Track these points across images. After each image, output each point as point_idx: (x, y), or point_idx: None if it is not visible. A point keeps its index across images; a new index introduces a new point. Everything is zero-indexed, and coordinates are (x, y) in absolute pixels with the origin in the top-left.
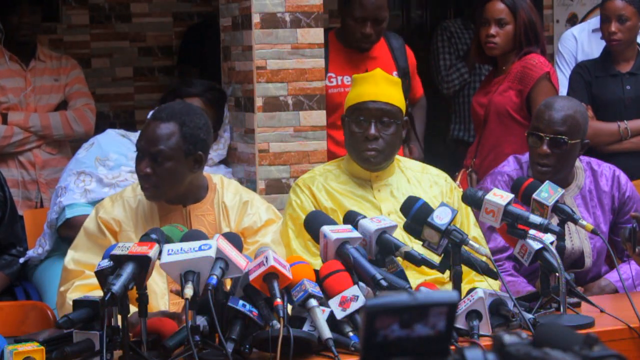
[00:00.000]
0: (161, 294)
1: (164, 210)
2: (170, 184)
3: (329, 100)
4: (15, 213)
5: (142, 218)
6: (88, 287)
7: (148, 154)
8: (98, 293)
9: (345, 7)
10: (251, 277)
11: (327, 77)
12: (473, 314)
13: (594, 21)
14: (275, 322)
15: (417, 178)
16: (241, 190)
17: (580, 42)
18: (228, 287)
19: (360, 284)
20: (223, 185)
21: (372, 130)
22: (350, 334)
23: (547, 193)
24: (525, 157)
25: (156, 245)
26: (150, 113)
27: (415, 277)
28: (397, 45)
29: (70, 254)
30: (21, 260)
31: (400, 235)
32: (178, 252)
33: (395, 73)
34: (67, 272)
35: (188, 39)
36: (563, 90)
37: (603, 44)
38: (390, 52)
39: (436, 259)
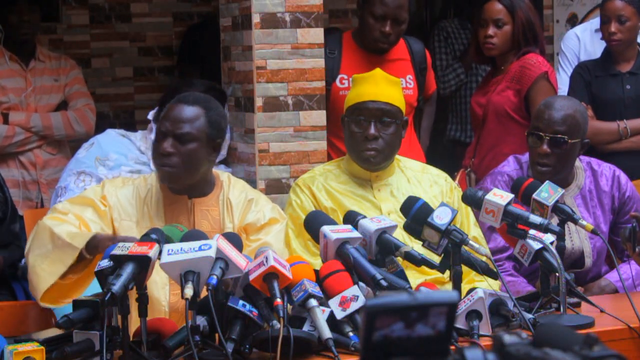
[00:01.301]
0: (162, 284)
1: (170, 199)
2: (189, 167)
3: (338, 102)
4: (16, 213)
5: (148, 206)
6: (61, 220)
7: (173, 134)
8: (66, 227)
9: (366, 4)
10: (251, 277)
11: (339, 79)
12: (473, 314)
13: (597, 21)
14: (275, 322)
15: (417, 178)
16: (247, 189)
17: (583, 41)
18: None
19: (360, 284)
20: (230, 183)
21: (372, 130)
22: (350, 334)
23: (547, 193)
24: (525, 157)
25: (156, 245)
26: (151, 113)
27: (415, 277)
28: (417, 49)
29: (63, 202)
30: (23, 261)
31: (400, 235)
32: (178, 252)
33: (409, 77)
34: (52, 210)
35: (188, 39)
36: (566, 89)
37: (605, 43)
38: (410, 56)
39: (436, 259)
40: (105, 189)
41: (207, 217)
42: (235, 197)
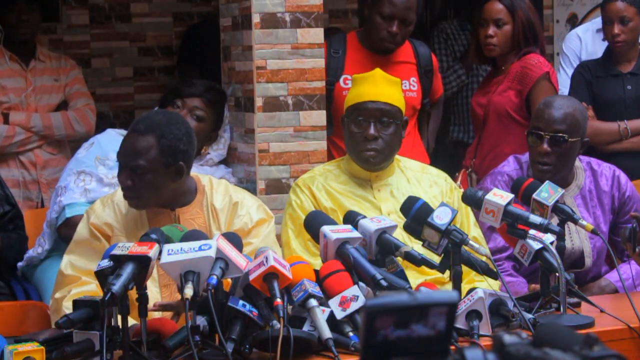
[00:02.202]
0: (153, 299)
1: (153, 214)
2: (152, 194)
3: (341, 102)
4: (19, 212)
5: (132, 222)
6: (84, 294)
7: (127, 167)
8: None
9: (374, 4)
10: (251, 277)
11: (343, 79)
12: (473, 314)
13: (598, 21)
14: (275, 322)
15: (417, 178)
16: (231, 191)
17: (585, 42)
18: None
19: (360, 284)
20: (212, 187)
21: (372, 131)
22: (350, 334)
23: (547, 193)
24: (525, 157)
25: (156, 245)
26: None
27: (415, 277)
28: (422, 52)
29: (66, 258)
30: (20, 264)
31: (400, 235)
32: (178, 252)
33: (413, 79)
34: (62, 277)
35: (188, 39)
36: (566, 90)
37: (607, 43)
38: (415, 59)
39: (436, 259)
40: (90, 218)
41: (194, 226)
42: (219, 202)
